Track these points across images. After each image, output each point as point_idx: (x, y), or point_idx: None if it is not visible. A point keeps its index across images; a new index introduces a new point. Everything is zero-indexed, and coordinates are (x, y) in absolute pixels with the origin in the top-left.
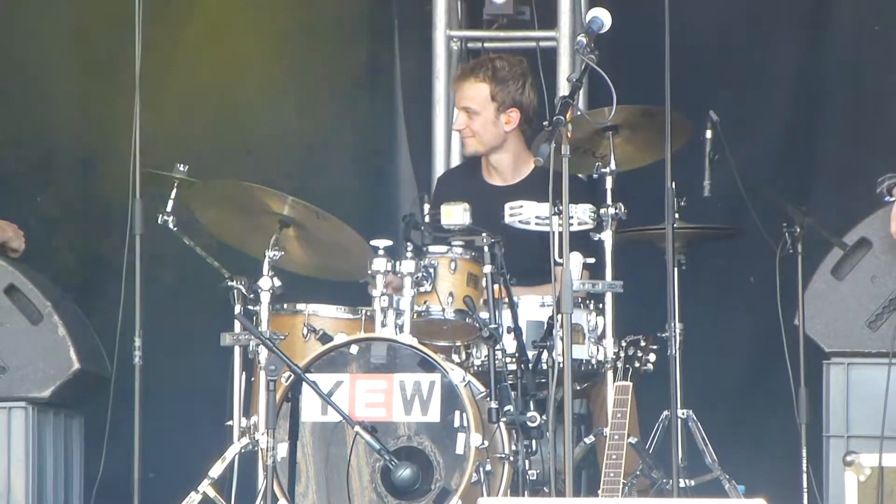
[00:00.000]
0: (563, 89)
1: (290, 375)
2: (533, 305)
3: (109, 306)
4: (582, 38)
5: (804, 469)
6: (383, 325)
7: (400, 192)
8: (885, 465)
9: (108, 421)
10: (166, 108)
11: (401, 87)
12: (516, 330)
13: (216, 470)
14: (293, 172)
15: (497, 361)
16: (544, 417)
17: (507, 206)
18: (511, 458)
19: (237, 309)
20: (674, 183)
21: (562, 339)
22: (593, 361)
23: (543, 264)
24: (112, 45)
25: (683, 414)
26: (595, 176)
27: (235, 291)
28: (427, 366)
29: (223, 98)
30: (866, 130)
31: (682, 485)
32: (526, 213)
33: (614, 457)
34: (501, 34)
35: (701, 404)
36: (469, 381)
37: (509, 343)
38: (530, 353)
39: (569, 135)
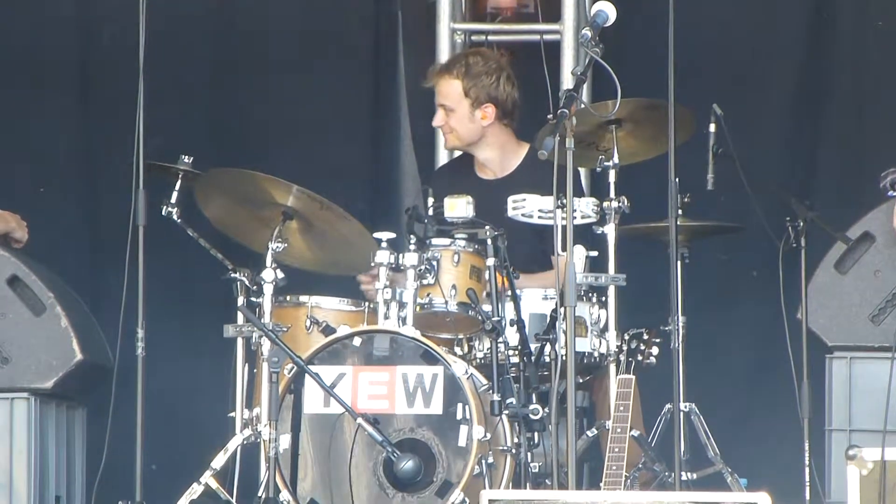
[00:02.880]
0: (568, 83)
1: (292, 367)
2: (536, 298)
3: (112, 297)
4: (586, 32)
5: (806, 463)
6: (386, 318)
7: (403, 185)
8: (887, 460)
9: (111, 412)
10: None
11: (404, 79)
12: (519, 323)
13: (218, 461)
14: (296, 165)
15: (500, 354)
16: (547, 410)
17: (510, 199)
18: (513, 451)
19: (240, 301)
20: (677, 177)
21: (564, 331)
22: (596, 354)
23: (537, 254)
24: (115, 35)
25: (686, 407)
26: (598, 169)
27: (238, 283)
28: (430, 358)
29: (226, 89)
30: (870, 124)
31: (684, 478)
32: (529, 207)
33: (617, 450)
34: (505, 27)
35: (703, 398)
36: (472, 374)
37: (512, 336)
38: (533, 346)
39: (573, 128)
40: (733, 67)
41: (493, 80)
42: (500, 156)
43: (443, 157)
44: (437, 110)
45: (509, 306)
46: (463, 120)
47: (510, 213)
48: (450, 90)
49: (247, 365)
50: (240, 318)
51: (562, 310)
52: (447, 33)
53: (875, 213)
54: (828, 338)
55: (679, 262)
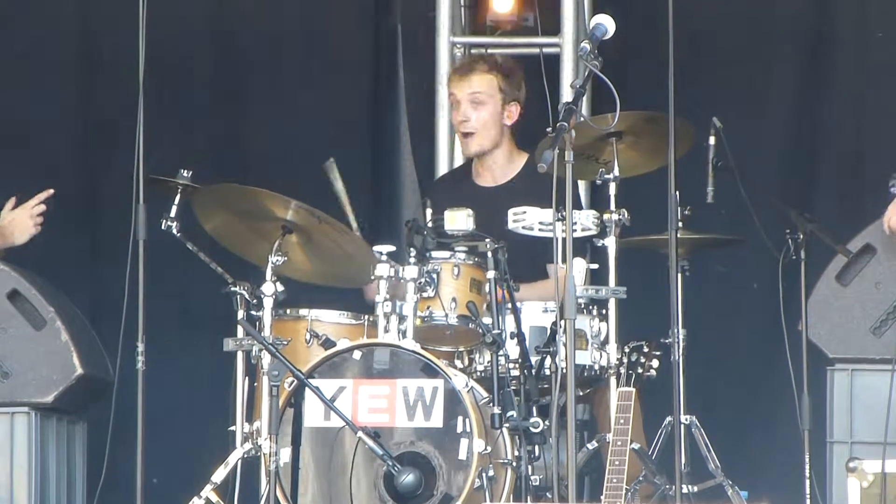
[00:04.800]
0: (567, 96)
1: (292, 381)
2: (536, 311)
3: (112, 311)
4: (585, 45)
5: (807, 475)
6: (386, 331)
7: (403, 198)
8: (888, 472)
9: (111, 426)
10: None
11: (404, 92)
12: (519, 335)
13: (219, 475)
14: (295, 178)
15: (500, 367)
16: (547, 423)
17: (511, 211)
18: (514, 464)
19: (240, 314)
20: (677, 190)
21: (565, 344)
22: (596, 367)
23: (536, 266)
24: (116, 45)
25: (687, 420)
26: (598, 182)
27: (238, 297)
28: (430, 371)
29: (226, 103)
30: (870, 136)
31: (685, 491)
32: (529, 219)
33: (617, 463)
34: (505, 40)
35: (704, 410)
36: (472, 387)
37: (512, 349)
38: (533, 359)
39: (572, 141)
40: (733, 80)
41: (520, 80)
42: (504, 161)
43: (442, 169)
44: (460, 106)
45: (509, 319)
46: (494, 115)
47: (510, 225)
48: (486, 84)
49: (247, 378)
50: (240, 331)
51: (562, 322)
52: (447, 47)
53: (876, 224)
54: (829, 350)
55: (679, 275)
